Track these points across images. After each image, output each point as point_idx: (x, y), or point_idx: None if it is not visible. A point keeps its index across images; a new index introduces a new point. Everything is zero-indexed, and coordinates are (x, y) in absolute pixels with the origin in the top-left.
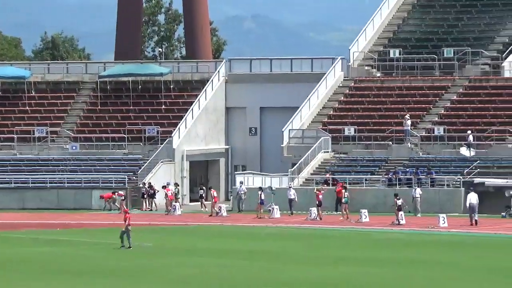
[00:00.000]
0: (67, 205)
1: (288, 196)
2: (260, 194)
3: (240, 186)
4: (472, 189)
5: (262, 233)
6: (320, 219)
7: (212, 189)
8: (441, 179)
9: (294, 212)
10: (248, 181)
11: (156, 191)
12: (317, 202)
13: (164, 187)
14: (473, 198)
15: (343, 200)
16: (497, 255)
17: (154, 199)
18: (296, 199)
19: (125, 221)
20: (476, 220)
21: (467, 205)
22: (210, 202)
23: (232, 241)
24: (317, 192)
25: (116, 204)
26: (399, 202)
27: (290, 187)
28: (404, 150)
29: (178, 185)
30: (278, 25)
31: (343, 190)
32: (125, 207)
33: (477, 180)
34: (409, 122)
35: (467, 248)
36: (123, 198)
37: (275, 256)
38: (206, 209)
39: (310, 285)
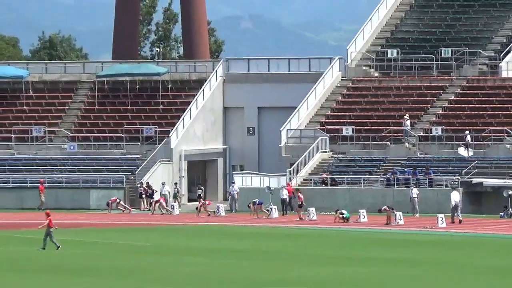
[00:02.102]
0: (65, 205)
1: (281, 196)
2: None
3: (232, 186)
4: (455, 188)
5: (259, 232)
6: (300, 219)
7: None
8: (439, 179)
9: (288, 212)
10: (246, 181)
11: (154, 191)
12: (299, 203)
13: (157, 201)
14: (456, 196)
15: (347, 215)
16: (495, 255)
17: (153, 199)
18: (287, 199)
19: (47, 223)
20: (460, 219)
21: (452, 203)
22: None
23: (229, 241)
24: (299, 193)
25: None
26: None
27: (283, 187)
28: (402, 150)
29: (177, 184)
30: (275, 24)
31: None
32: (125, 206)
33: (475, 180)
34: (408, 122)
35: (465, 248)
36: (118, 200)
37: (273, 255)
38: (202, 208)
39: (308, 285)
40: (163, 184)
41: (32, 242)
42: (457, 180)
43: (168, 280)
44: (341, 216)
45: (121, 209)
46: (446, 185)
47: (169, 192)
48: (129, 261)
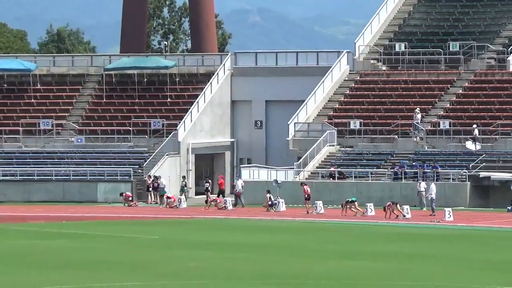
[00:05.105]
0: (73, 198)
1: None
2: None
3: (237, 180)
4: (432, 180)
5: (266, 226)
6: (307, 212)
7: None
8: (446, 173)
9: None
10: (253, 174)
11: (160, 184)
12: (305, 196)
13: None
14: (434, 188)
15: (352, 198)
16: (503, 249)
17: (158, 192)
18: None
19: None
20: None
21: (433, 196)
22: (215, 195)
23: (237, 234)
24: (304, 186)
25: None
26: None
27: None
28: (410, 143)
29: (185, 177)
30: (284, 18)
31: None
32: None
33: (483, 174)
34: (419, 115)
35: (472, 242)
36: (130, 198)
37: (279, 249)
38: (212, 202)
39: (315, 278)
40: (159, 177)
41: (39, 235)
42: (464, 174)
43: (176, 274)
44: (349, 204)
45: (130, 204)
46: (453, 179)
47: (164, 186)
48: (137, 255)
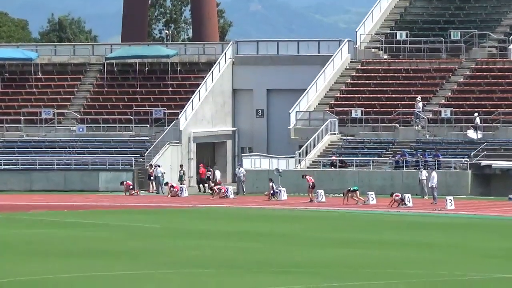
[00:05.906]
0: (74, 187)
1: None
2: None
3: (239, 169)
4: (433, 168)
5: (268, 215)
6: (311, 201)
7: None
8: (448, 161)
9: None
10: (255, 163)
11: (163, 173)
12: (310, 184)
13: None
14: (436, 177)
15: (354, 187)
16: (504, 237)
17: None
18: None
19: None
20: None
21: (435, 185)
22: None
23: (238, 223)
24: (307, 177)
25: None
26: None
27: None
28: (411, 132)
29: (182, 166)
30: (285, 7)
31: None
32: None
33: (484, 162)
34: (420, 104)
35: (474, 231)
36: (131, 187)
37: (280, 238)
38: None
39: (316, 267)
40: (156, 166)
41: (41, 224)
42: (465, 162)
43: (177, 262)
44: (351, 192)
45: (131, 193)
46: (455, 168)
47: (162, 174)
48: (138, 244)
